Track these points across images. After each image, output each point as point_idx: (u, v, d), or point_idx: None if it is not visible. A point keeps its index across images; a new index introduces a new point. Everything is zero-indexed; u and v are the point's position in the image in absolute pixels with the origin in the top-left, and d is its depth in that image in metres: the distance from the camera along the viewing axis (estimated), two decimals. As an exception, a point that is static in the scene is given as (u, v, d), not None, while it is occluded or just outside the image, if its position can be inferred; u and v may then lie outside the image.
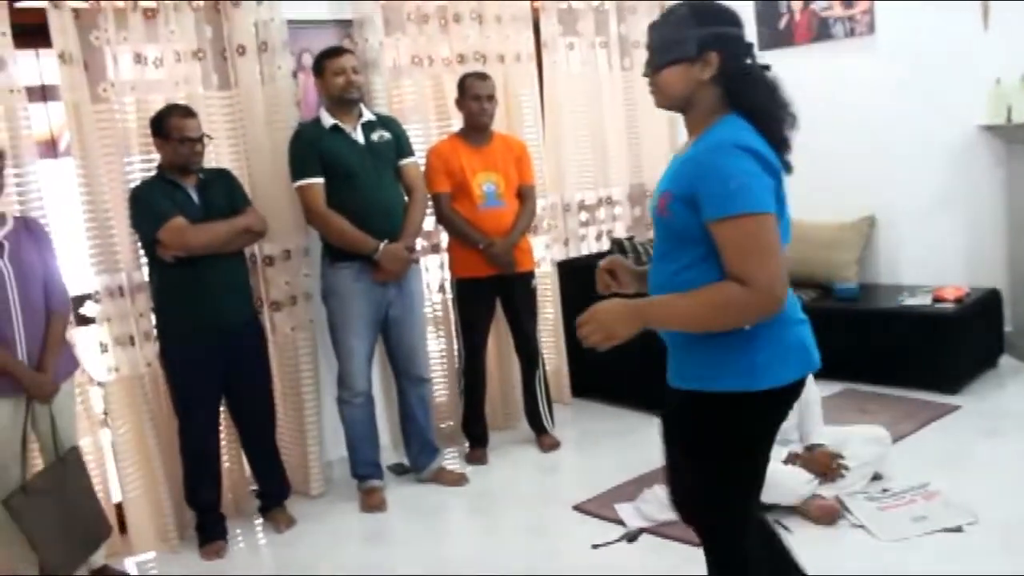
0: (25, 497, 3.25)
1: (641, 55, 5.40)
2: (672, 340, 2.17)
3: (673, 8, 2.13)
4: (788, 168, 2.10)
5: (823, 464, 3.57)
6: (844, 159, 5.35)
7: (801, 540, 3.32)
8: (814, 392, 3.75)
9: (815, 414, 3.76)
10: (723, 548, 2.26)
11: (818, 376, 3.78)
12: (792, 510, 3.48)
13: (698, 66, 2.07)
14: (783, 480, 3.48)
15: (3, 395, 3.25)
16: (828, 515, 3.43)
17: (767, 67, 2.13)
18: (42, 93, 3.82)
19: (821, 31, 5.47)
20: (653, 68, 2.14)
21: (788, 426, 3.70)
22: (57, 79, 3.62)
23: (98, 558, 3.58)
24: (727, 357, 2.06)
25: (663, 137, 5.63)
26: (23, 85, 3.55)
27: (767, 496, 3.49)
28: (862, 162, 5.37)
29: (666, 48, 2.11)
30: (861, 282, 5.34)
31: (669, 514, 3.54)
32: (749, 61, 2.10)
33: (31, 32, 3.57)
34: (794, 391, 2.15)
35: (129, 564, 3.78)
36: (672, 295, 2.06)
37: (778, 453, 3.57)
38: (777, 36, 5.59)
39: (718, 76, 2.07)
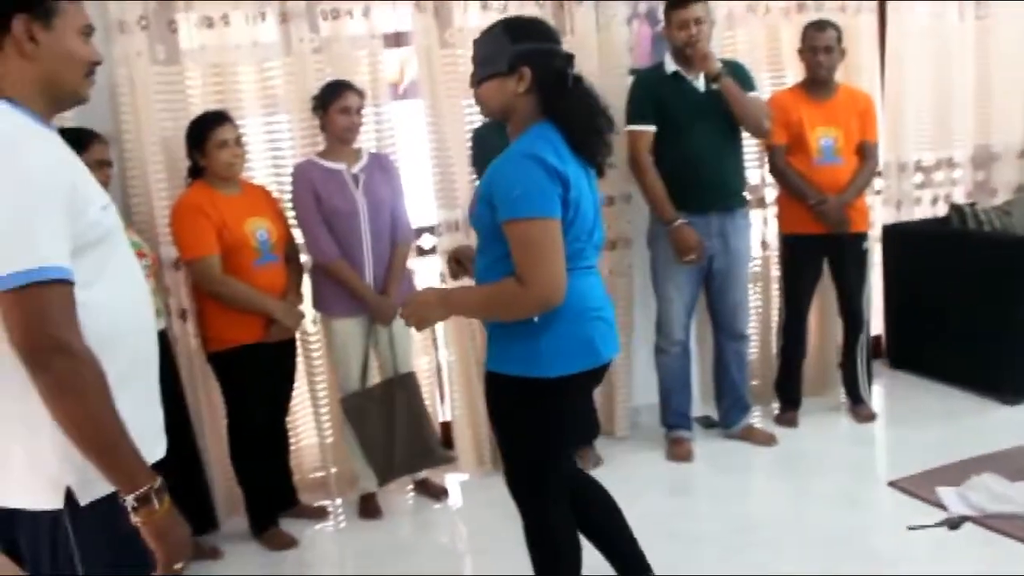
0: (359, 401, 3.63)
1: (1000, 4, 4.96)
2: (486, 325, 2.44)
3: (491, 25, 2.36)
4: (599, 171, 2.37)
5: None
6: None
7: None
8: None
9: None
10: (530, 521, 2.48)
11: None
12: None
13: (513, 80, 2.26)
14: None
15: (352, 314, 3.62)
16: None
17: (580, 78, 2.31)
18: (394, 39, 4.10)
19: None
20: (475, 82, 2.36)
21: None
22: (409, 26, 3.90)
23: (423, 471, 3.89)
24: (516, 344, 2.30)
25: (1019, 96, 5.10)
26: (382, 32, 3.87)
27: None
28: None
29: (484, 64, 2.32)
30: None
31: (1000, 506, 3.32)
32: (565, 72, 2.28)
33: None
34: (582, 381, 2.36)
35: (449, 479, 4.07)
36: (470, 287, 2.37)
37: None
38: None
39: (533, 88, 2.25)
